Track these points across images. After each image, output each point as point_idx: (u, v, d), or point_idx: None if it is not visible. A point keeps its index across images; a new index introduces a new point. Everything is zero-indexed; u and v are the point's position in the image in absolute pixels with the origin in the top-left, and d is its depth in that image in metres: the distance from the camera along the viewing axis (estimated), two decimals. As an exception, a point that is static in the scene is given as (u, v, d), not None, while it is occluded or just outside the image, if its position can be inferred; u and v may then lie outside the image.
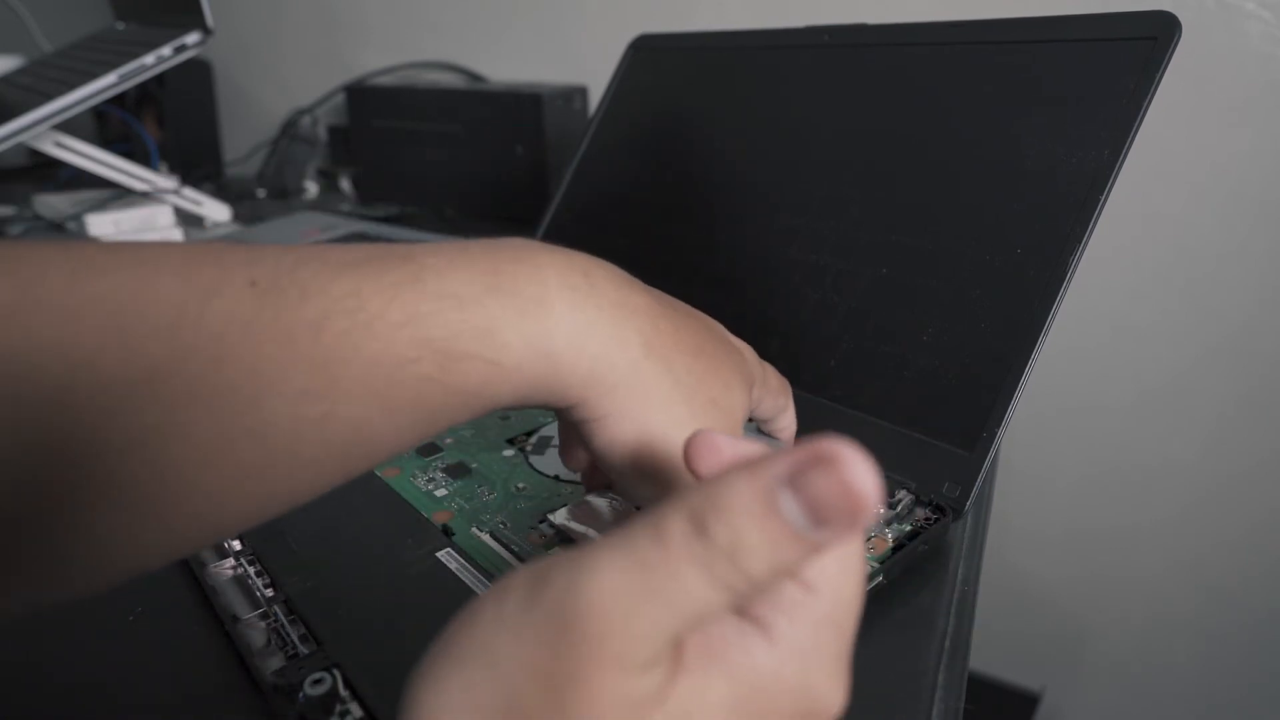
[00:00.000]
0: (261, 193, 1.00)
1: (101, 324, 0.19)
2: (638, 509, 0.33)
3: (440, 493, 0.36)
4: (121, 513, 0.20)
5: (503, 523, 0.34)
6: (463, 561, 0.31)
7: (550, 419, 0.41)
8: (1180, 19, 0.35)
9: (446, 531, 0.33)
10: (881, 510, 0.34)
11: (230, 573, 0.31)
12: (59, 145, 0.79)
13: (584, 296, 0.24)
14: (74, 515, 0.20)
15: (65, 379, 0.19)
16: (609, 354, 0.24)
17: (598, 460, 0.27)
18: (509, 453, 0.39)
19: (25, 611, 0.21)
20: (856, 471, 0.14)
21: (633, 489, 0.27)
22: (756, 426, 0.36)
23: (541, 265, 0.23)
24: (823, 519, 0.15)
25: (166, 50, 0.75)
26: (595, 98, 0.85)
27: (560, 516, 0.33)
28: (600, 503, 0.35)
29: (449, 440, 0.40)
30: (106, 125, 1.09)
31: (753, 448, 0.19)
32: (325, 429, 0.21)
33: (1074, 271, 0.34)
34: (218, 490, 0.21)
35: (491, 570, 0.31)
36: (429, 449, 0.39)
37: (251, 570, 0.31)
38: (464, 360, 0.22)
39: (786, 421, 0.34)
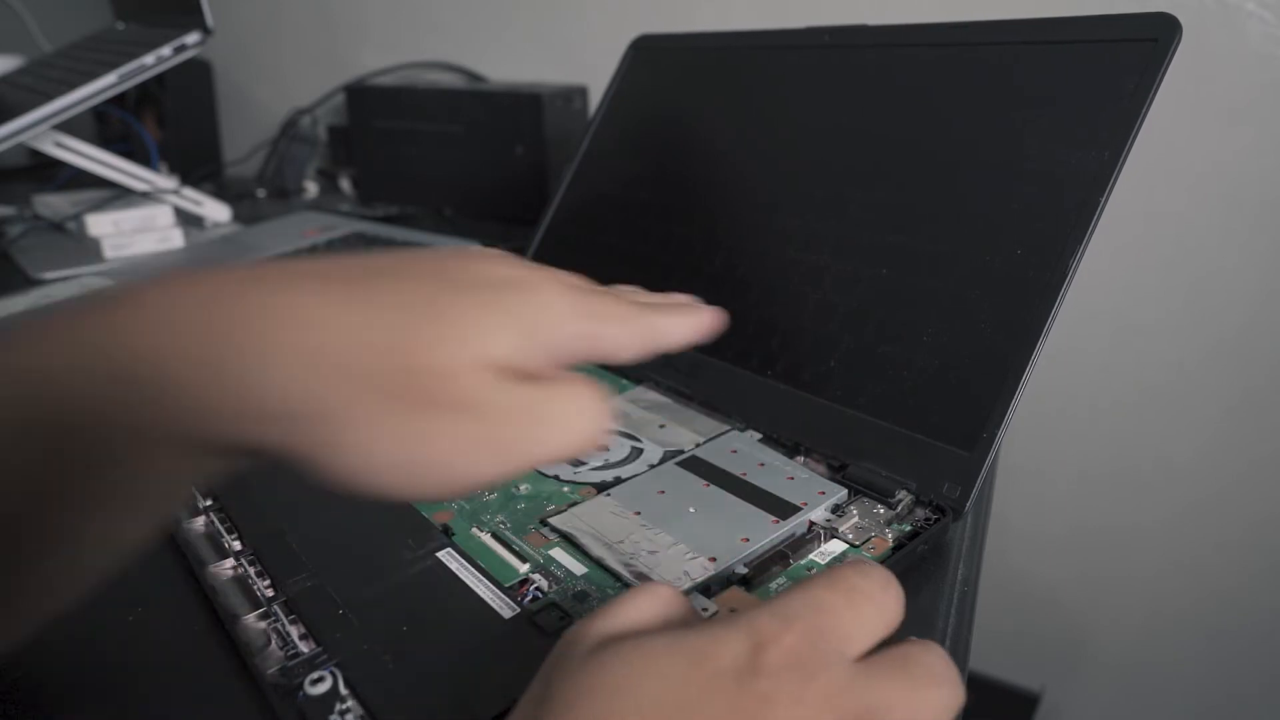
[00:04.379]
0: (261, 193, 1.01)
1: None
2: (637, 513, 0.33)
3: (440, 493, 0.36)
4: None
5: (503, 523, 0.34)
6: (463, 561, 0.31)
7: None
8: (1180, 19, 0.35)
9: (446, 531, 0.33)
10: (881, 510, 0.34)
11: (230, 573, 0.31)
12: (59, 145, 0.79)
13: None
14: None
15: None
16: None
17: None
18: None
19: None
20: None
21: None
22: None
23: None
24: None
25: (166, 50, 0.75)
26: (595, 98, 0.85)
27: (560, 519, 0.33)
28: (601, 503, 0.35)
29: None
30: (106, 125, 1.09)
31: None
32: None
33: (1074, 272, 0.34)
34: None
35: (491, 570, 0.31)
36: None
37: (252, 570, 0.31)
38: None
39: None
